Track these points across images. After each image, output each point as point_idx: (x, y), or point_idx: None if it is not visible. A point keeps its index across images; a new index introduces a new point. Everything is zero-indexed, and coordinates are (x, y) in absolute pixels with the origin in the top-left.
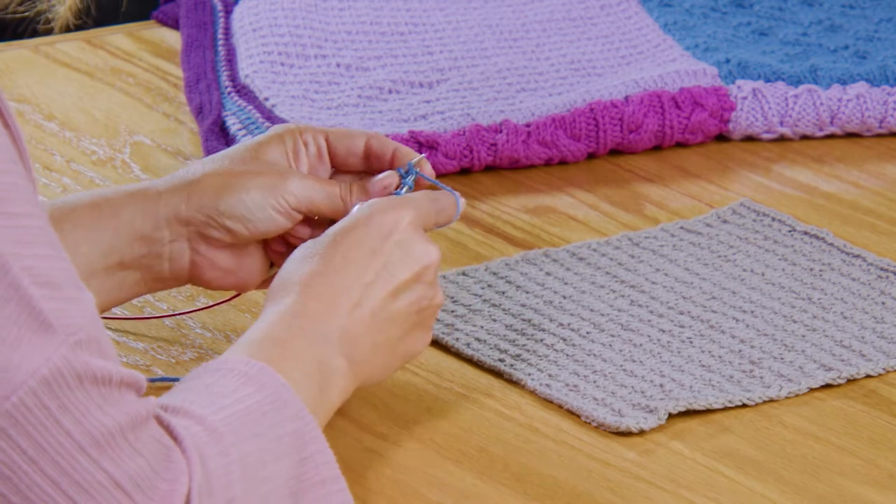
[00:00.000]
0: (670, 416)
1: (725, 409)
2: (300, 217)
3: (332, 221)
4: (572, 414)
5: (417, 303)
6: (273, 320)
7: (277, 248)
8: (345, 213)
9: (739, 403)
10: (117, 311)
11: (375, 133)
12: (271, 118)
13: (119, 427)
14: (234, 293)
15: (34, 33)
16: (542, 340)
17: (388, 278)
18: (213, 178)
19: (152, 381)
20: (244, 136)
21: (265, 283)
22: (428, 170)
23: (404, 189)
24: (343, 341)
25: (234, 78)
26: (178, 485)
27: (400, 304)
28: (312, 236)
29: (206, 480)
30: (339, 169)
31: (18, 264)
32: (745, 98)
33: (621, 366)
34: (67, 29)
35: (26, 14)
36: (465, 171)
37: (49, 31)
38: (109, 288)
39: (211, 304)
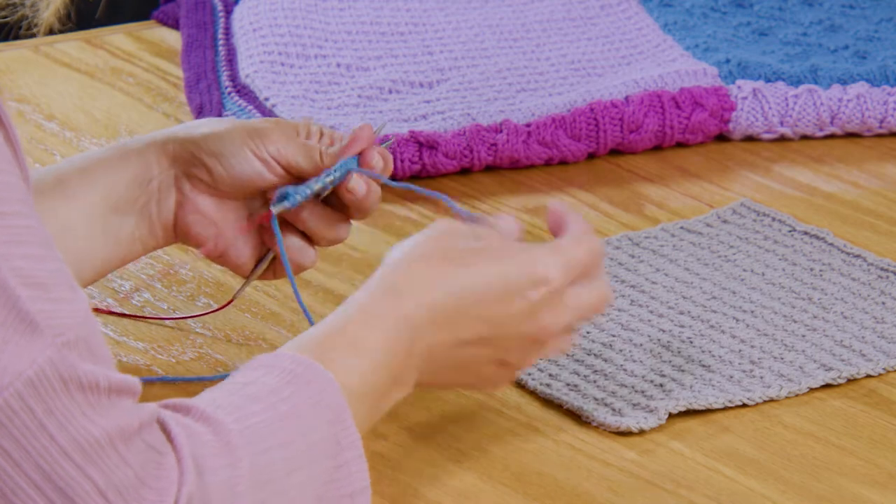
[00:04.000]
0: (670, 415)
1: (725, 408)
2: (279, 170)
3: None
4: (572, 414)
5: (502, 366)
6: (359, 306)
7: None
8: (316, 173)
9: (739, 403)
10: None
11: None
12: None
13: (106, 435)
14: (228, 301)
15: (17, 37)
16: None
17: (496, 349)
18: (203, 127)
19: (151, 380)
20: None
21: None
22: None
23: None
24: (422, 358)
25: (234, 78)
26: (165, 495)
27: (489, 373)
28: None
29: (203, 492)
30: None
31: (7, 265)
32: (745, 98)
33: (621, 365)
34: (51, 33)
35: (8, 19)
36: (465, 171)
37: (32, 36)
38: (108, 238)
39: (209, 310)
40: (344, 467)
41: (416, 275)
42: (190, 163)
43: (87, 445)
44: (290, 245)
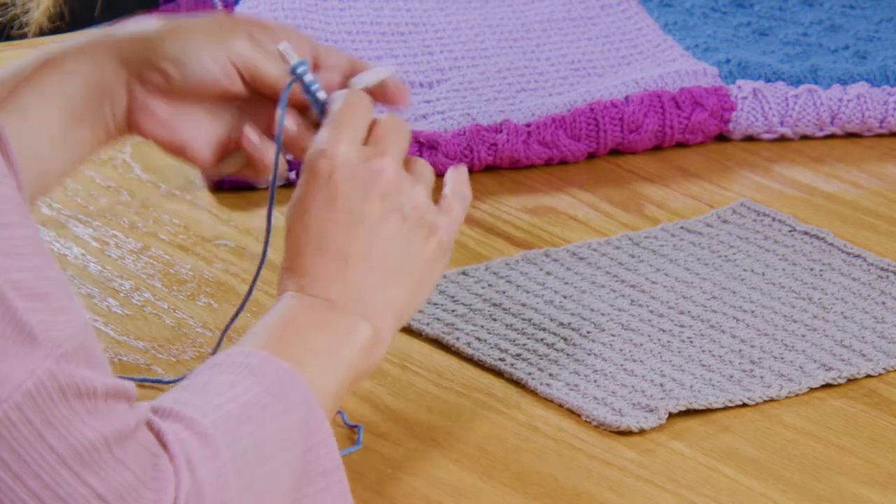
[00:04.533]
0: (670, 415)
1: (726, 408)
2: (237, 80)
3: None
4: (572, 413)
5: (387, 212)
6: (275, 310)
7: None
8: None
9: (740, 403)
10: (126, 287)
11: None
12: None
13: (104, 440)
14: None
15: (9, 38)
16: (542, 340)
17: (349, 213)
18: (157, 27)
19: (152, 381)
20: None
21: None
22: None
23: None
24: (353, 299)
25: None
26: (164, 494)
27: (369, 222)
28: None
29: (196, 487)
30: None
31: (4, 277)
32: (745, 98)
33: (622, 365)
34: (41, 33)
35: (0, 19)
36: None
37: (23, 36)
38: (68, 149)
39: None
40: (314, 449)
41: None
42: (142, 65)
43: (84, 453)
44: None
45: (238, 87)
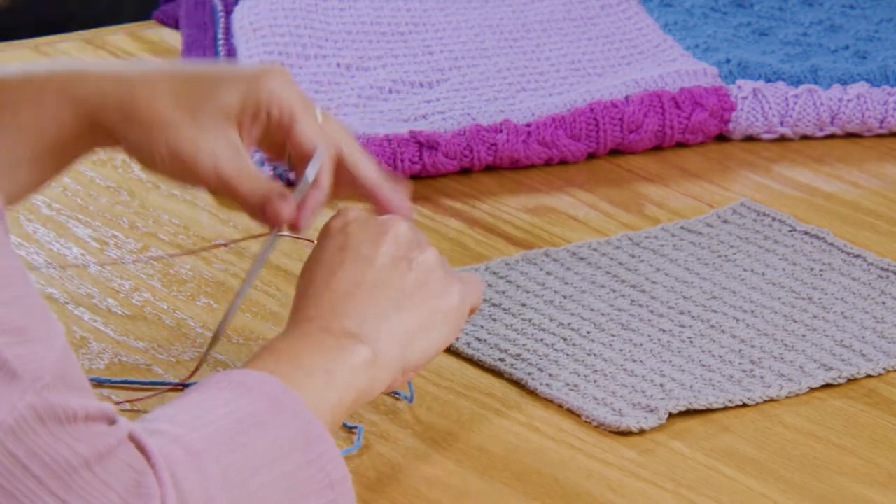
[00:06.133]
0: (670, 415)
1: (726, 408)
2: (214, 181)
3: None
4: (572, 413)
5: (397, 259)
6: (273, 340)
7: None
8: (260, 213)
9: (740, 403)
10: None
11: (324, 144)
12: None
13: (84, 461)
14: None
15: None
16: (542, 340)
17: (363, 259)
18: (147, 116)
19: (153, 383)
20: None
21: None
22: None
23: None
24: (351, 325)
25: None
26: None
27: (377, 265)
28: None
29: (182, 502)
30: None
31: None
32: (745, 98)
33: (622, 365)
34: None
35: None
36: (465, 171)
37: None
38: (41, 169)
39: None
40: (315, 462)
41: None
42: (126, 147)
43: (67, 476)
44: None
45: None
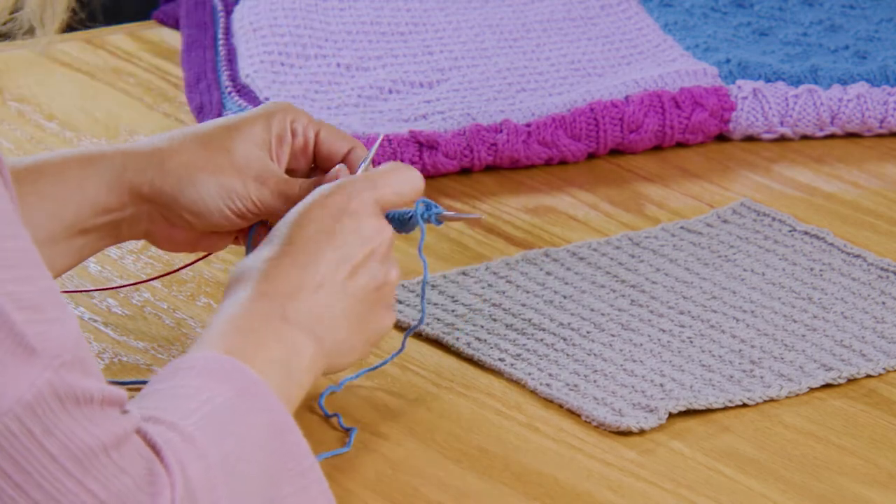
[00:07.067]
0: (670, 415)
1: (726, 408)
2: (256, 217)
3: None
4: (572, 414)
5: (374, 280)
6: (234, 310)
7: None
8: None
9: (740, 403)
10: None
11: (358, 143)
12: None
13: (102, 446)
14: (205, 253)
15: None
16: (542, 340)
17: (345, 258)
18: (179, 163)
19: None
20: None
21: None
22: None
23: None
24: (308, 321)
25: (234, 78)
26: (160, 498)
27: (359, 282)
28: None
29: (188, 489)
30: (319, 165)
31: (1, 289)
32: (745, 98)
33: (622, 365)
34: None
35: (10, 28)
36: (465, 171)
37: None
38: (69, 252)
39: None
40: (286, 451)
41: (251, 258)
42: (166, 209)
43: (85, 459)
44: None
45: (253, 220)
